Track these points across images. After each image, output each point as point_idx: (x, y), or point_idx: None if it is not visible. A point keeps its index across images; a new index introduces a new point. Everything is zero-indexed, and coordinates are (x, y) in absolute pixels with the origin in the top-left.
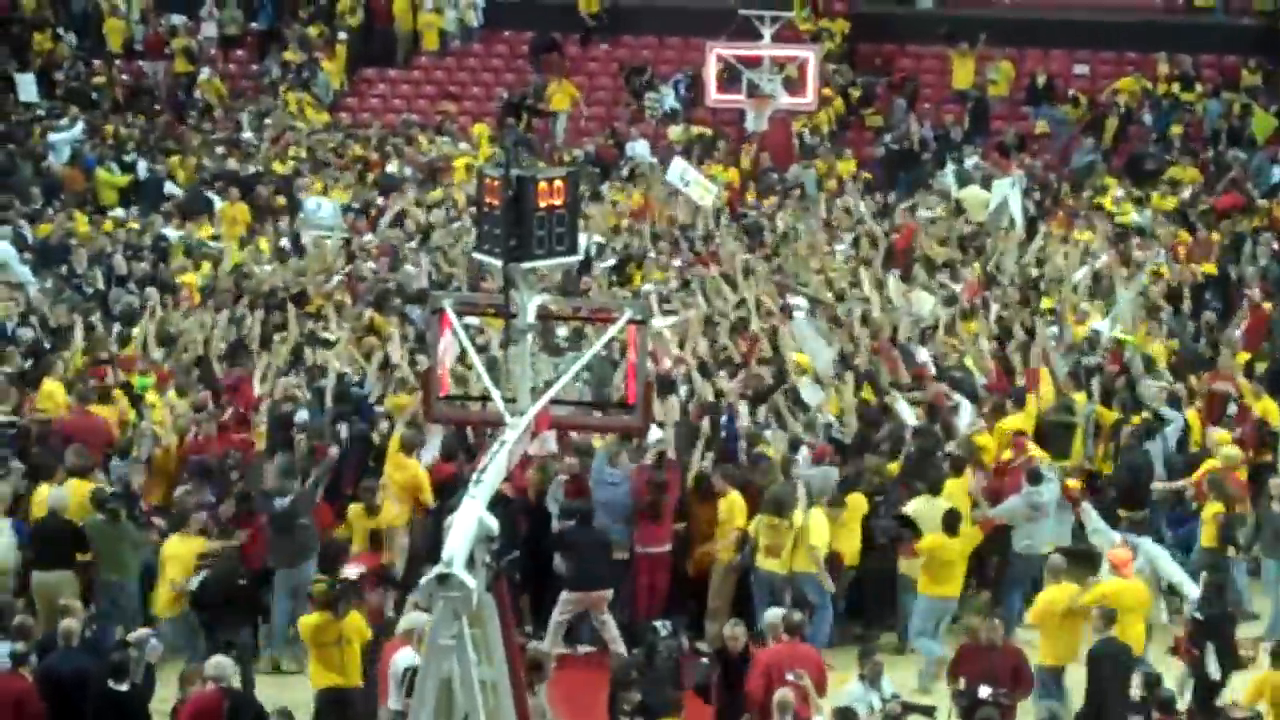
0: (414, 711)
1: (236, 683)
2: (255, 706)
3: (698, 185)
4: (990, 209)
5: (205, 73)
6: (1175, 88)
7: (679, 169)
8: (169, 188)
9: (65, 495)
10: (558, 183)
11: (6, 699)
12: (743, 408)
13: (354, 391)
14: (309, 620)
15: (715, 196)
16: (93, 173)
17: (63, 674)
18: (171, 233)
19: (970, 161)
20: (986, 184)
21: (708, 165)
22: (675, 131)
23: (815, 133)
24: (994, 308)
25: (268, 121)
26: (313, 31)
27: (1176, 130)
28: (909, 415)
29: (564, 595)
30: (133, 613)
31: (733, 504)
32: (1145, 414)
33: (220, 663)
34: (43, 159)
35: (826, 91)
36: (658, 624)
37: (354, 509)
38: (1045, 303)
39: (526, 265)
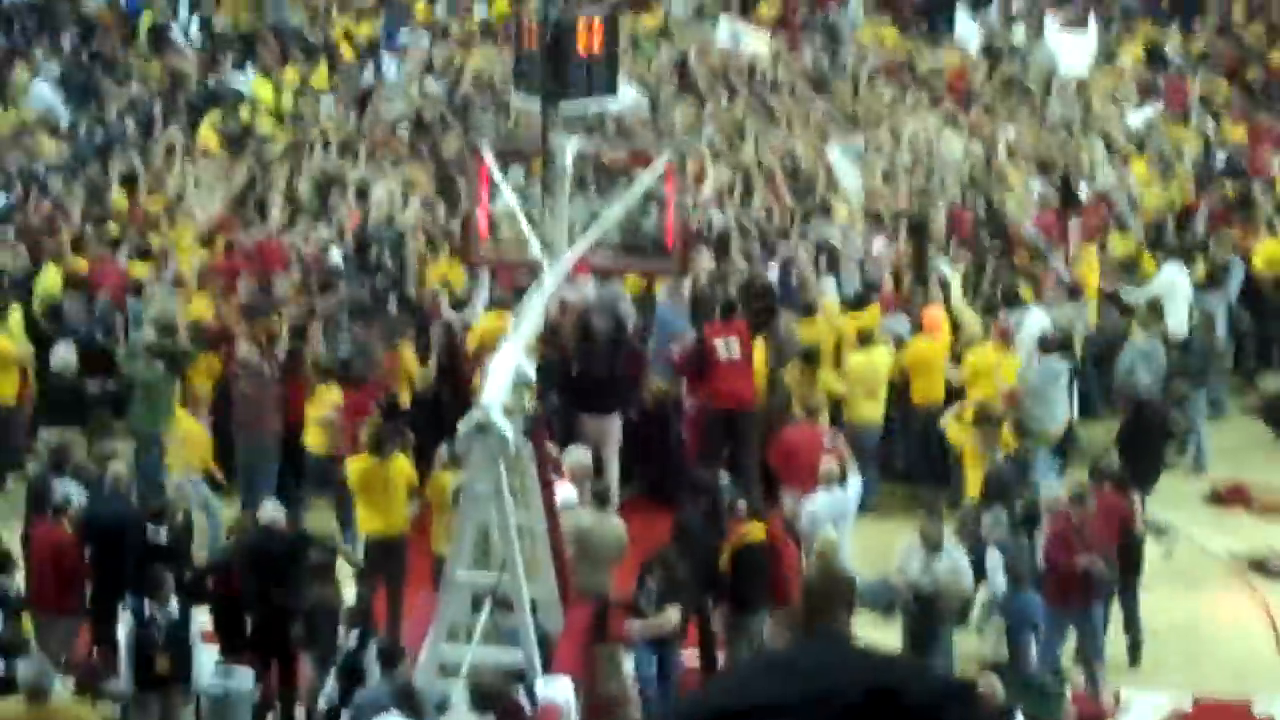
0: (451, 559)
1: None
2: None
3: (750, 38)
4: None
5: None
6: None
7: (727, 29)
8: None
9: (69, 357)
10: (596, 24)
11: (44, 548)
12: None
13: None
14: (355, 464)
15: (769, 44)
16: (136, 17)
17: (104, 520)
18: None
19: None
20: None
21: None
22: None
23: None
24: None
25: None
26: None
27: None
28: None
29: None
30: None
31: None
32: None
33: (271, 508)
34: None
35: None
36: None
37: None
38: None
39: (566, 107)
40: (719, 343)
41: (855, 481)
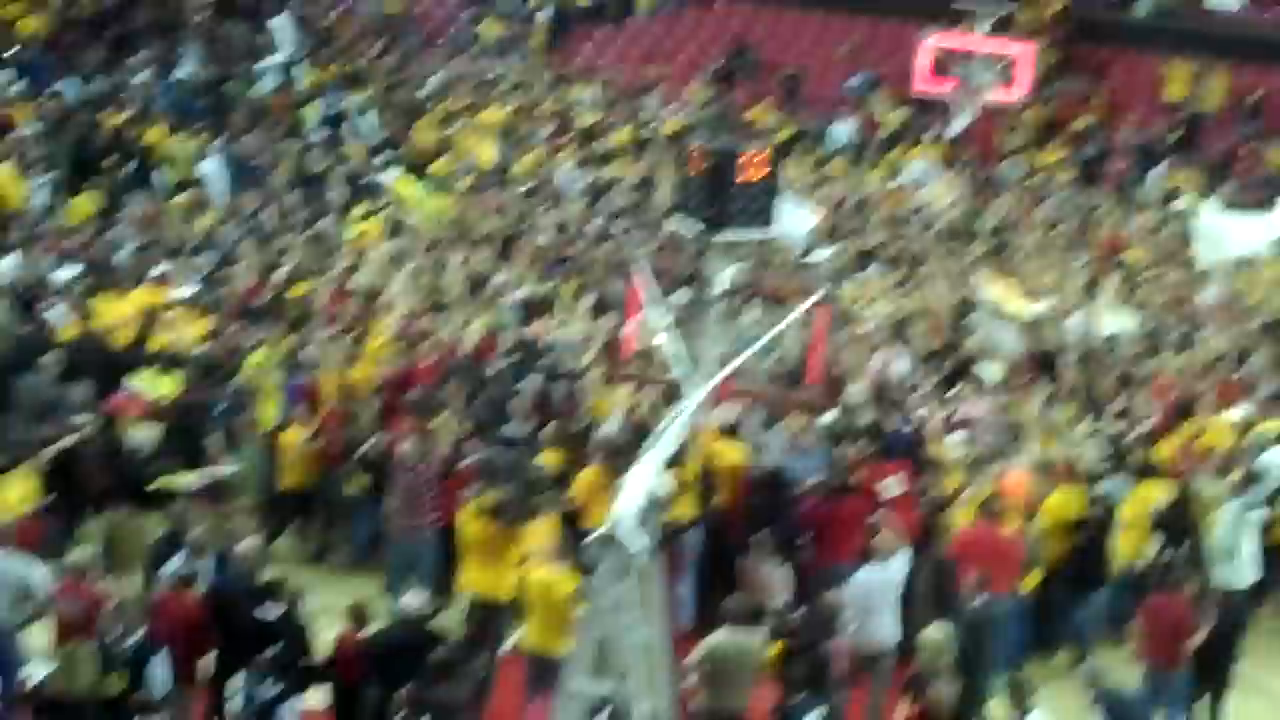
0: (572, 667)
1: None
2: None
3: (939, 183)
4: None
5: None
6: None
7: (921, 167)
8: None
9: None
10: (760, 156)
11: (176, 617)
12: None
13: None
14: (472, 524)
15: (955, 196)
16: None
17: (230, 595)
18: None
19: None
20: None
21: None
22: (892, 115)
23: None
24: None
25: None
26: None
27: None
28: None
29: None
30: None
31: None
32: None
33: (413, 597)
34: (251, 85)
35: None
36: None
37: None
38: None
39: (723, 235)
40: (890, 480)
41: (903, 556)
